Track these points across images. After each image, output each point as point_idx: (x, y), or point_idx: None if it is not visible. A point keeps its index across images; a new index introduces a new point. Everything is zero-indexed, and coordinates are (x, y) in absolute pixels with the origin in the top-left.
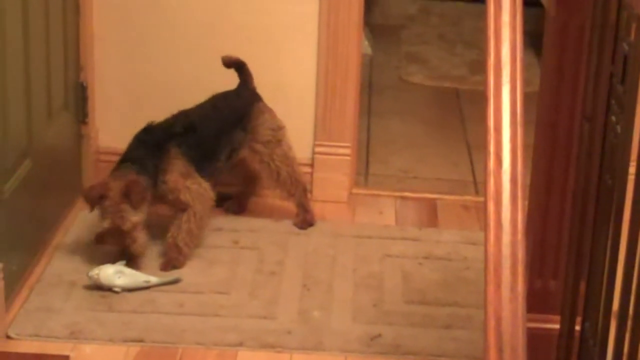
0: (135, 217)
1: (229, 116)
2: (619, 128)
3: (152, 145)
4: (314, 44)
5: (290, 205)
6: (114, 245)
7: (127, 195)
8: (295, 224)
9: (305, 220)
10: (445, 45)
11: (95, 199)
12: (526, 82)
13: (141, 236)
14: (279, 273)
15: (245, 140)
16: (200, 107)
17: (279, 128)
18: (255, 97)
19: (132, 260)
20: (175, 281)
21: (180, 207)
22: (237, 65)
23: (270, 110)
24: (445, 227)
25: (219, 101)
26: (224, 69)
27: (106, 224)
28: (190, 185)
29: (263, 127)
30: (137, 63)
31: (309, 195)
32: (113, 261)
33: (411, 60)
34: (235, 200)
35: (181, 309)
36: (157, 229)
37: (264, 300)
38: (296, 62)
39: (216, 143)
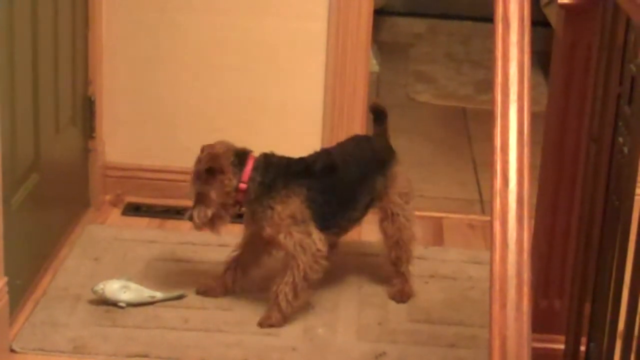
0: (199, 187)
1: (374, 161)
2: (626, 149)
3: (288, 174)
4: (322, 61)
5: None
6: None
7: (203, 161)
8: (391, 295)
9: (403, 292)
10: (452, 64)
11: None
12: (534, 101)
13: (198, 210)
14: None
15: (384, 187)
16: (342, 146)
17: (409, 183)
18: (391, 147)
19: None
20: (180, 297)
21: (276, 247)
22: (382, 114)
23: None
24: (451, 246)
25: (362, 143)
26: (231, 84)
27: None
28: (294, 232)
29: (401, 177)
30: (146, 78)
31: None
32: (118, 276)
33: (418, 78)
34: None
35: (185, 324)
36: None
37: None
38: (304, 80)
39: (358, 190)
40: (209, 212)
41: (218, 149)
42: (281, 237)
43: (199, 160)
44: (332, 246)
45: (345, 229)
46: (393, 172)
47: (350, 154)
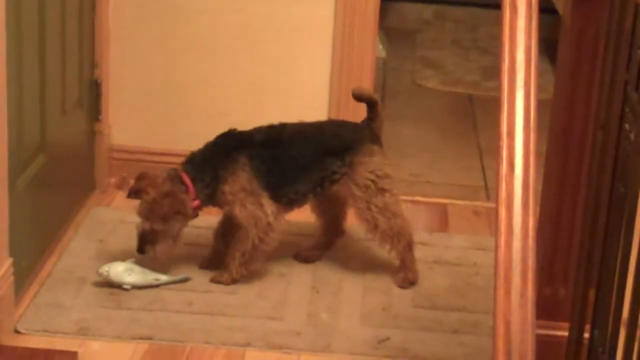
0: (158, 226)
1: (331, 143)
2: (632, 136)
3: (223, 150)
4: (329, 47)
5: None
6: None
7: (159, 204)
8: (396, 282)
9: (406, 279)
10: (459, 51)
11: (133, 192)
12: (540, 88)
13: (161, 245)
14: (287, 274)
15: (341, 174)
16: (304, 124)
17: (385, 176)
18: (372, 138)
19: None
20: (185, 280)
21: (237, 223)
22: (369, 101)
23: (382, 156)
24: (455, 232)
25: (329, 125)
26: (238, 68)
27: (137, 213)
28: (247, 204)
29: (364, 168)
30: (152, 61)
31: (414, 254)
32: (123, 258)
33: (425, 64)
34: (307, 249)
35: (190, 307)
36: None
37: (273, 301)
38: (310, 65)
39: (305, 166)
40: (167, 245)
41: (160, 187)
42: (236, 210)
43: (153, 201)
44: (338, 232)
45: (295, 202)
46: (355, 160)
47: (305, 132)
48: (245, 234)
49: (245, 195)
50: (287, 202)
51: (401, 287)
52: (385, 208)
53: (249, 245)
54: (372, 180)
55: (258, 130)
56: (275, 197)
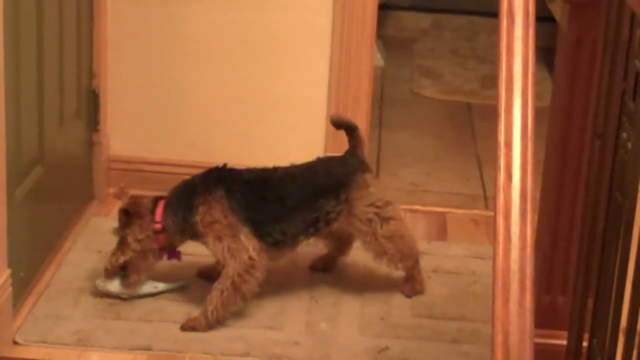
0: (121, 257)
1: (322, 182)
2: (629, 145)
3: (205, 182)
4: (327, 56)
5: None
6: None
7: (120, 217)
8: (403, 292)
9: (414, 290)
10: (457, 60)
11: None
12: (538, 97)
13: (128, 277)
14: (286, 284)
15: (337, 212)
16: (295, 166)
17: (385, 204)
18: (361, 167)
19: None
20: (183, 287)
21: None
22: (348, 128)
23: (377, 184)
24: (454, 241)
25: (318, 164)
26: (235, 78)
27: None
28: (223, 237)
29: (362, 202)
30: (150, 71)
31: (420, 265)
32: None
33: (423, 73)
34: (322, 258)
35: (188, 318)
36: None
37: (272, 311)
38: (308, 74)
39: (294, 207)
40: (122, 259)
41: (138, 197)
42: (210, 243)
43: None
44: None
45: (282, 243)
46: (351, 196)
47: (294, 174)
48: (225, 270)
49: (220, 227)
50: (272, 242)
51: (408, 296)
52: (392, 236)
53: (228, 282)
54: (375, 213)
55: (249, 169)
56: (259, 235)
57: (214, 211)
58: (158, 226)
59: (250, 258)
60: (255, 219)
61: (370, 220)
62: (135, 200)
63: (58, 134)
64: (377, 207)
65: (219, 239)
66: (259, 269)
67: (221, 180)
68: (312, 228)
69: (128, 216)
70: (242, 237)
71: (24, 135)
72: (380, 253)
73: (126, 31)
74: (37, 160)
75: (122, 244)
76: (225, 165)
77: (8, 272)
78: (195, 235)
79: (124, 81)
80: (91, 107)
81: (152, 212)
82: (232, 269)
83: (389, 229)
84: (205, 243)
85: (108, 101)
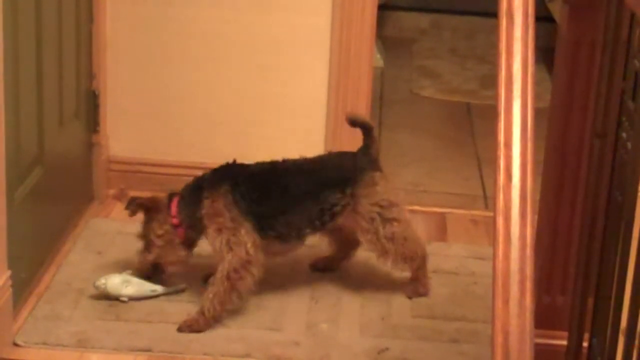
0: (148, 255)
1: (329, 174)
2: (629, 145)
3: (213, 178)
4: (326, 56)
5: None
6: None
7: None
8: (405, 293)
9: (416, 292)
10: (457, 60)
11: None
12: (537, 97)
13: (161, 273)
14: (286, 285)
15: (342, 205)
16: (303, 158)
17: (390, 205)
18: (372, 165)
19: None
20: (182, 290)
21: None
22: (363, 127)
23: (384, 183)
24: (454, 242)
25: (328, 158)
26: (235, 79)
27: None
28: (223, 229)
29: (367, 200)
30: (149, 72)
31: (427, 268)
32: (122, 270)
33: (423, 73)
34: (324, 259)
35: (184, 319)
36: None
37: (272, 312)
38: (307, 75)
39: (299, 198)
40: (149, 257)
41: (154, 195)
42: (210, 235)
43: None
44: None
45: (288, 236)
46: (357, 192)
47: (302, 165)
48: (221, 265)
49: (222, 220)
50: (277, 235)
51: (410, 297)
52: (395, 238)
53: (224, 276)
54: (378, 213)
55: (257, 163)
56: (262, 228)
57: (218, 204)
58: (175, 220)
59: (247, 253)
60: (259, 212)
61: (372, 219)
62: (151, 196)
63: (57, 135)
64: (381, 206)
65: (219, 231)
66: (255, 264)
67: (228, 175)
68: (318, 221)
69: (146, 212)
70: (243, 232)
71: (24, 137)
72: (382, 253)
73: (125, 32)
74: (36, 162)
75: (146, 243)
76: (234, 161)
77: (8, 273)
78: (203, 230)
79: (123, 82)
80: (91, 108)
81: (168, 207)
82: (228, 262)
83: (392, 231)
84: (206, 235)
85: (107, 102)
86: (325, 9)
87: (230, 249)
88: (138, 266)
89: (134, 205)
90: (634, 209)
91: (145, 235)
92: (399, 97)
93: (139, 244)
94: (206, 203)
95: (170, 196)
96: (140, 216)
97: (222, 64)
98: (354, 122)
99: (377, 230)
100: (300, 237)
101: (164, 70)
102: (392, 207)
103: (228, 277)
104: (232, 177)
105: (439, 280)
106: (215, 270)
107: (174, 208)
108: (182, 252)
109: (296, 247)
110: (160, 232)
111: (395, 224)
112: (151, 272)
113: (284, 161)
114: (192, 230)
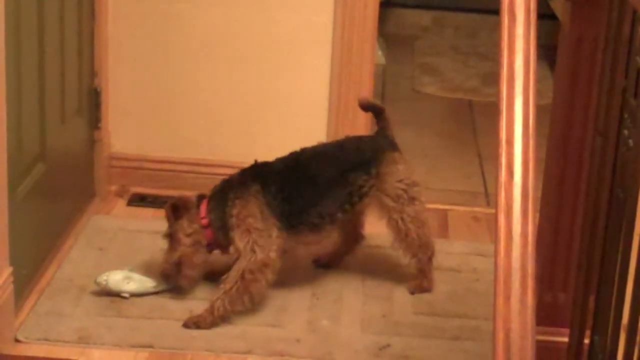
0: (175, 252)
1: (352, 158)
2: (631, 142)
3: (242, 179)
4: (328, 54)
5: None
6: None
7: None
8: (409, 288)
9: (421, 287)
10: (459, 57)
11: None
12: (539, 94)
13: (183, 272)
14: (288, 282)
15: (369, 186)
16: (322, 144)
17: (413, 184)
18: (392, 146)
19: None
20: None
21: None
22: (375, 110)
23: (406, 163)
24: (455, 238)
25: (347, 141)
26: (237, 77)
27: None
28: (252, 230)
29: (392, 177)
30: (151, 69)
31: (432, 264)
32: (124, 266)
33: (425, 71)
34: (328, 254)
35: (190, 315)
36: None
37: (273, 309)
38: (310, 72)
39: (327, 185)
40: (176, 255)
41: (183, 195)
42: (237, 234)
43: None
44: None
45: (320, 226)
46: (382, 171)
47: (323, 151)
48: (238, 263)
49: (253, 221)
50: (311, 227)
51: (413, 293)
52: (416, 217)
53: (239, 275)
54: (403, 190)
55: (279, 159)
56: (293, 225)
57: (251, 205)
58: (204, 221)
59: (268, 257)
60: (291, 210)
61: (398, 197)
62: (181, 196)
63: (59, 131)
64: (406, 184)
65: (248, 232)
66: (272, 269)
67: (256, 176)
68: (347, 204)
69: (175, 211)
70: (272, 234)
71: (26, 133)
72: (402, 234)
73: (127, 29)
74: (38, 158)
75: (173, 241)
76: (256, 161)
77: (10, 269)
78: (231, 230)
79: (125, 79)
80: (92, 104)
81: (198, 207)
82: (246, 262)
83: (414, 209)
84: (233, 236)
85: (109, 99)
86: (328, 7)
87: (254, 251)
88: (163, 264)
89: (169, 207)
90: (636, 206)
91: (172, 234)
92: (401, 94)
93: (163, 244)
94: (238, 203)
95: (200, 197)
96: (144, 214)
97: (224, 61)
98: (365, 106)
99: (402, 209)
100: (333, 222)
101: (166, 67)
102: (414, 187)
103: (242, 277)
104: (262, 177)
105: (440, 277)
106: (227, 268)
107: (203, 209)
108: (205, 255)
109: (330, 233)
110: (189, 230)
111: (417, 203)
112: (174, 272)
113: (303, 150)
114: (220, 231)
